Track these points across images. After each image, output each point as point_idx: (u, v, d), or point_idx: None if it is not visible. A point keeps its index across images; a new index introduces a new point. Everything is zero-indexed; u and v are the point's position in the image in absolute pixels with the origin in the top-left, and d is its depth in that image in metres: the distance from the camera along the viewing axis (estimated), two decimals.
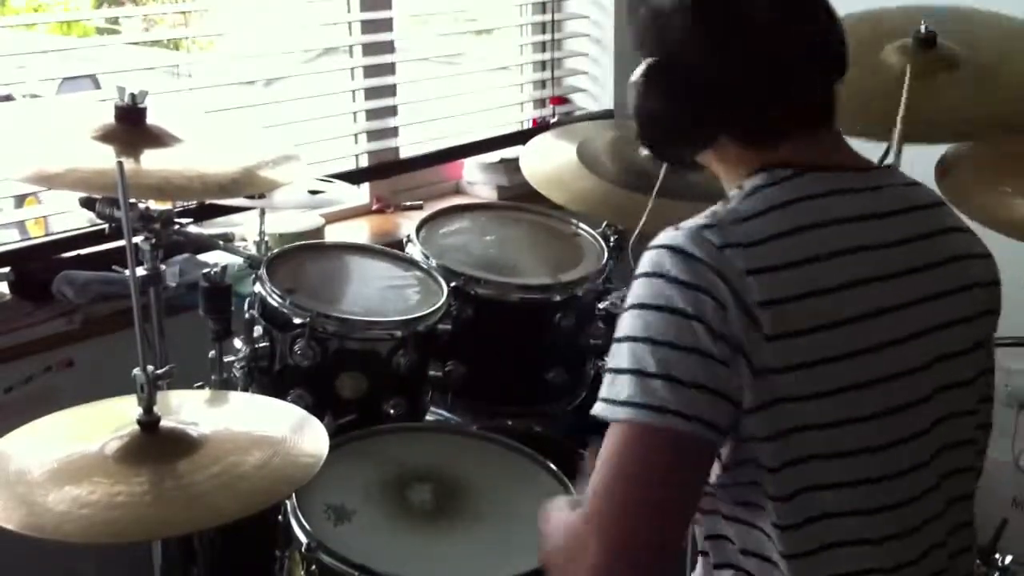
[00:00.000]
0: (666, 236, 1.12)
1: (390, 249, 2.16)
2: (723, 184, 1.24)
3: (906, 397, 1.14)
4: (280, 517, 1.63)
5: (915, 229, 1.18)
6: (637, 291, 1.11)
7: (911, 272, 1.16)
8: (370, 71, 2.79)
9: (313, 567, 1.52)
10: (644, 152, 2.23)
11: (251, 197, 2.08)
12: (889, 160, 1.70)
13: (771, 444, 1.09)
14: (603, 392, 1.11)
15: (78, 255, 2.26)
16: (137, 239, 1.80)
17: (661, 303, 1.08)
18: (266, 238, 2.15)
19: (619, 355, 1.10)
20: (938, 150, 2.00)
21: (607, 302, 2.17)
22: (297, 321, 1.84)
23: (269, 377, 1.91)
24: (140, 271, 1.80)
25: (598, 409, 1.11)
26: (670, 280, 1.08)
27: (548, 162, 2.25)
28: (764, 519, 1.12)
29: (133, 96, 1.78)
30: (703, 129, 1.19)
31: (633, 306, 1.10)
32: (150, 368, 1.47)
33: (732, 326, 1.06)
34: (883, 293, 1.13)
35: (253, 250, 2.11)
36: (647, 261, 1.12)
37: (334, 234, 2.59)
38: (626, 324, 1.11)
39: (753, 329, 1.06)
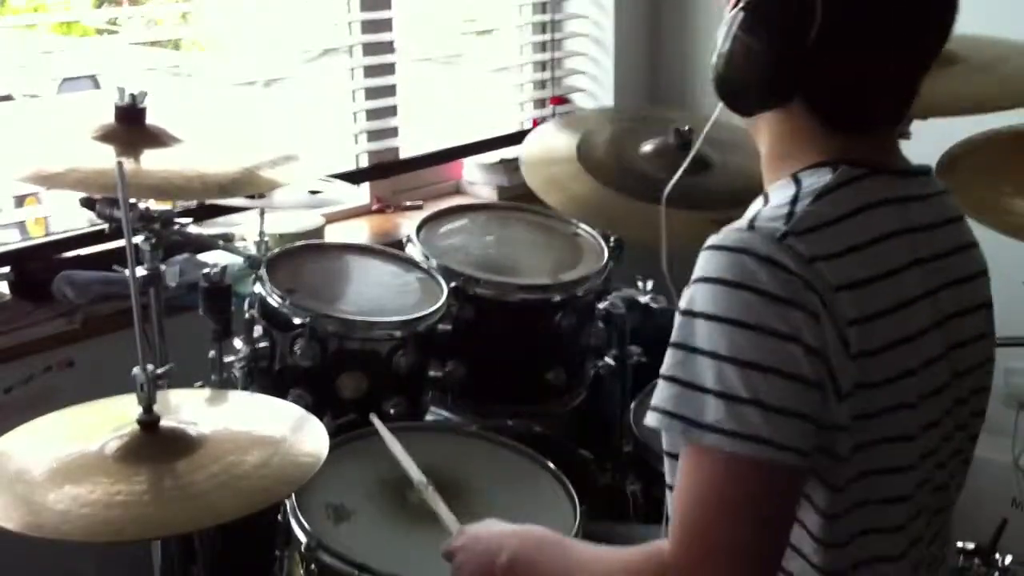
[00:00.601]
0: (744, 237, 1.02)
1: (390, 249, 2.16)
2: (765, 164, 1.16)
3: (936, 413, 1.12)
4: (280, 517, 1.62)
5: (954, 242, 1.17)
6: (718, 300, 1.00)
7: (951, 285, 1.14)
8: (370, 71, 2.79)
9: (313, 567, 1.52)
10: (644, 151, 2.24)
11: (251, 197, 2.08)
12: None
13: (839, 464, 1.05)
14: (675, 407, 1.02)
15: (78, 255, 2.26)
16: (137, 239, 1.80)
17: (751, 320, 0.99)
18: (266, 238, 2.15)
19: (698, 370, 1.01)
20: (938, 150, 2.00)
21: (607, 302, 2.17)
22: (297, 321, 1.84)
23: (269, 377, 1.91)
24: (140, 271, 1.80)
25: (668, 426, 1.02)
26: (761, 294, 0.99)
27: (547, 164, 2.24)
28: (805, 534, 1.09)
29: (133, 96, 1.78)
30: (795, 83, 1.08)
31: (713, 317, 1.00)
32: (150, 367, 1.47)
33: (826, 342, 1.00)
34: (934, 308, 1.11)
35: (253, 250, 2.11)
36: (723, 265, 1.01)
37: (334, 234, 2.59)
38: (704, 335, 1.01)
39: (842, 348, 1.01)
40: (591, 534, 1.62)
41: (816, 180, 1.08)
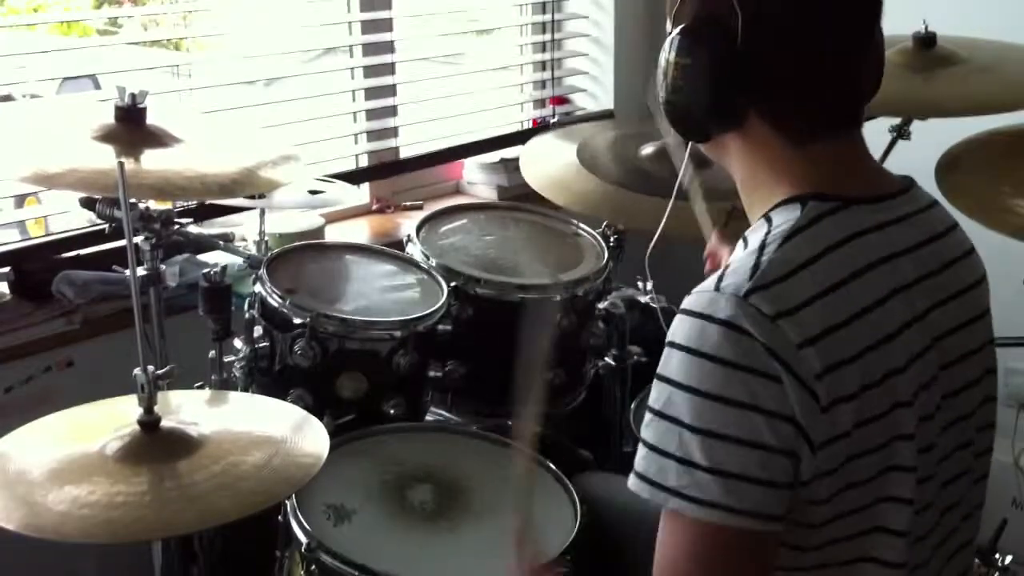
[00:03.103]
0: (707, 301, 1.02)
1: (390, 249, 2.16)
2: (741, 192, 1.16)
3: (930, 437, 1.10)
4: (280, 517, 1.62)
5: (939, 260, 1.14)
6: (681, 368, 1.02)
7: (936, 308, 1.12)
8: (370, 71, 2.79)
9: (313, 567, 1.52)
10: (645, 151, 2.25)
11: (251, 197, 2.08)
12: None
13: (824, 506, 1.05)
14: (646, 469, 1.04)
15: (78, 255, 2.26)
16: (137, 239, 1.80)
17: (712, 390, 0.99)
18: (266, 238, 2.15)
19: (663, 436, 1.02)
20: (938, 150, 2.00)
21: (607, 302, 2.17)
22: (297, 321, 1.84)
23: (269, 377, 1.90)
24: (140, 271, 1.80)
25: (640, 488, 1.04)
26: (721, 363, 0.99)
27: (548, 164, 2.25)
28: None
29: (133, 96, 1.79)
30: (736, 94, 1.08)
31: (678, 384, 1.02)
32: (150, 368, 1.47)
33: (790, 404, 0.99)
34: (918, 336, 1.09)
35: (253, 250, 2.11)
36: (689, 332, 1.02)
37: (334, 234, 2.60)
38: (670, 402, 1.02)
39: (810, 402, 1.00)
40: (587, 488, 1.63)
41: (784, 219, 1.08)
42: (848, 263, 1.06)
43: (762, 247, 1.06)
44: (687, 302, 1.05)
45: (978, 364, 1.18)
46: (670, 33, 1.12)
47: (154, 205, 1.86)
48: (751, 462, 0.99)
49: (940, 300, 1.13)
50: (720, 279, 1.04)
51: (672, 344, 1.04)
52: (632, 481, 1.05)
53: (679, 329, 1.04)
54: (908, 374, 1.07)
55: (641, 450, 1.05)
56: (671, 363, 1.03)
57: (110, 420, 1.51)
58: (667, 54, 1.11)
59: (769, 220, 1.09)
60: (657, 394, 1.04)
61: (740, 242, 1.12)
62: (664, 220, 1.57)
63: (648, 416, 1.05)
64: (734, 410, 0.99)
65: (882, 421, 1.05)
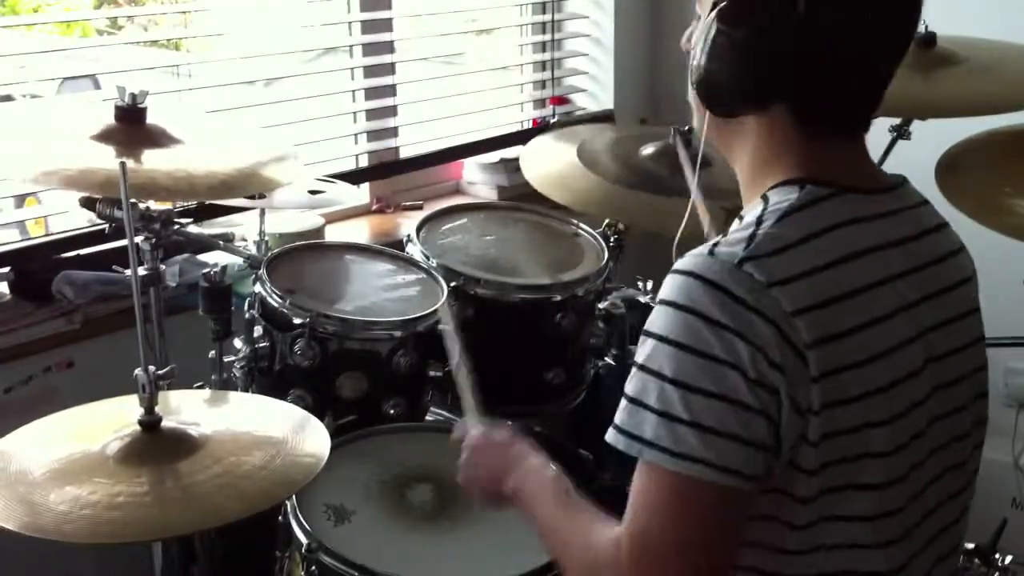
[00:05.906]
0: (700, 262, 1.04)
1: (390, 249, 2.16)
2: (743, 180, 1.17)
3: (914, 429, 1.12)
4: (280, 517, 1.62)
5: (929, 255, 1.16)
6: (666, 323, 1.03)
7: (926, 300, 1.13)
8: (370, 71, 2.79)
9: (313, 567, 1.52)
10: (645, 152, 2.25)
11: (251, 197, 2.08)
12: None
13: (810, 477, 1.05)
14: (624, 422, 1.06)
15: (78, 255, 2.26)
16: (137, 239, 1.80)
17: (694, 345, 1.01)
18: (266, 238, 2.15)
19: (644, 388, 1.04)
20: (938, 150, 2.01)
21: (607, 302, 2.17)
22: (297, 321, 1.84)
23: (269, 377, 1.90)
24: (140, 271, 1.80)
25: (616, 440, 1.06)
26: (706, 320, 1.01)
27: (549, 163, 2.25)
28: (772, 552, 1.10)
29: (133, 96, 1.79)
30: (772, 78, 1.09)
31: (661, 338, 1.03)
32: (151, 368, 1.47)
33: (772, 371, 1.00)
34: (907, 324, 1.10)
35: (253, 250, 2.11)
36: (678, 289, 1.04)
37: (334, 234, 2.59)
38: (653, 356, 1.04)
39: (801, 370, 1.01)
40: None
41: (782, 199, 1.09)
42: (841, 246, 1.08)
43: (759, 221, 1.08)
44: (679, 263, 1.06)
45: (969, 359, 1.19)
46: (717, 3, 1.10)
47: (154, 205, 1.86)
48: (730, 418, 1.01)
49: (929, 293, 1.14)
50: (714, 245, 1.06)
51: (660, 301, 1.05)
52: (609, 433, 1.07)
53: (667, 287, 1.05)
54: (894, 359, 1.08)
55: (622, 403, 1.06)
56: (656, 318, 1.05)
57: (111, 420, 1.51)
58: (714, 26, 1.10)
59: (766, 199, 1.11)
60: (641, 350, 1.06)
61: (736, 220, 1.14)
62: (688, 211, 1.57)
63: (633, 371, 1.06)
64: (715, 366, 1.01)
65: (865, 402, 1.06)
